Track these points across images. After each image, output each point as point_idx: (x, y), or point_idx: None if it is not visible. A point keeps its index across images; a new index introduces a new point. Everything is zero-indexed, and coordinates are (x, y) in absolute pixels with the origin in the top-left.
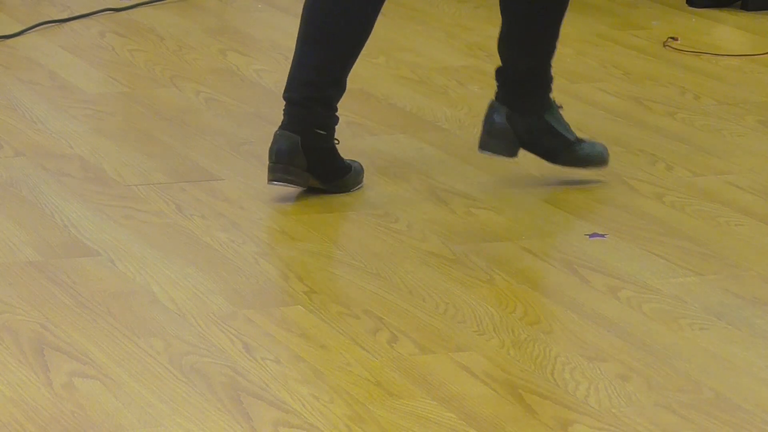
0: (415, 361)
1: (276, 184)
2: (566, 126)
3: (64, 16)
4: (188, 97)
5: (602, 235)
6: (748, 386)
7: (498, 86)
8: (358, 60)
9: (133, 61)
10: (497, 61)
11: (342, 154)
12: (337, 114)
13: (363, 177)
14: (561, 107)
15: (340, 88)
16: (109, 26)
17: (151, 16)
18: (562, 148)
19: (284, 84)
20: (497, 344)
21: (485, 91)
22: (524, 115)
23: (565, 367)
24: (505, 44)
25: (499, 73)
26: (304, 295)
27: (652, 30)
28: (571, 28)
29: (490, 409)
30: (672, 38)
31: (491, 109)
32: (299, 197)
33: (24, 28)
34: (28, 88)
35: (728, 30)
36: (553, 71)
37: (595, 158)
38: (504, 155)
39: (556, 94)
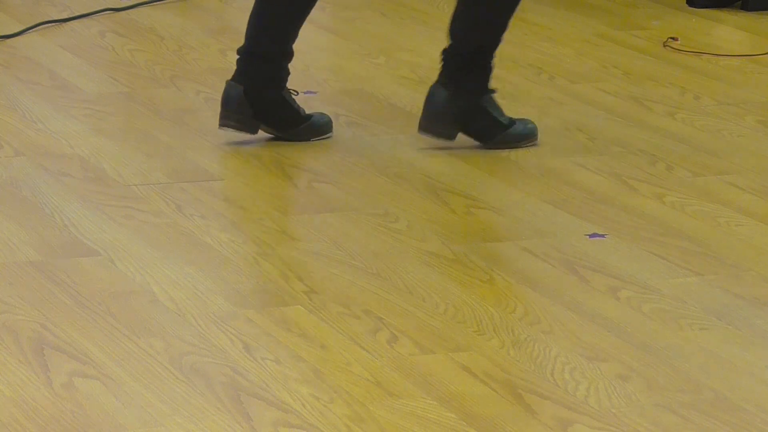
0: (415, 361)
1: (224, 129)
2: (500, 110)
3: (64, 16)
4: (188, 97)
5: (602, 235)
6: (748, 386)
7: (442, 66)
8: (358, 60)
9: (133, 61)
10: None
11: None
12: (288, 67)
13: (329, 128)
14: (495, 91)
15: (278, 44)
16: (109, 26)
17: (151, 16)
18: (495, 130)
19: None
20: (497, 344)
21: None
22: (463, 97)
23: (565, 367)
24: (458, 21)
25: (446, 53)
26: (304, 295)
27: (652, 30)
28: (571, 28)
29: (490, 409)
30: (672, 38)
31: (432, 92)
32: (299, 196)
33: (24, 28)
34: (28, 88)
35: (728, 30)
36: (553, 71)
37: (524, 137)
38: (443, 138)
39: (557, 94)
